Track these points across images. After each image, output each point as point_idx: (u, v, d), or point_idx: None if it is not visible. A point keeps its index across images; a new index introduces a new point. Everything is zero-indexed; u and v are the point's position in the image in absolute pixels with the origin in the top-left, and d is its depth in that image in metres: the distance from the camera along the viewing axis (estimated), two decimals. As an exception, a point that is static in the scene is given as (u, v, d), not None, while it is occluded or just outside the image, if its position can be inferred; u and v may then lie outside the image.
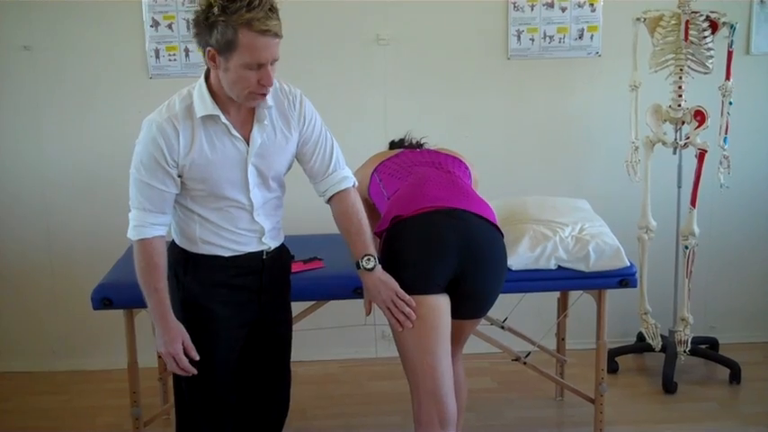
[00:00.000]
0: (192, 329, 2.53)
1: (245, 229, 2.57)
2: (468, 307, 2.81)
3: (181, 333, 2.49)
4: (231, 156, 2.49)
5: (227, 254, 2.55)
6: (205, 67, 2.45)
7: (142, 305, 2.95)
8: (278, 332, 2.74)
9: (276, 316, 2.72)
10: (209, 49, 2.33)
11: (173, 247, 2.61)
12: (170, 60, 4.13)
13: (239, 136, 2.49)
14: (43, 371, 4.35)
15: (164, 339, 2.48)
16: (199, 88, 2.44)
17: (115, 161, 4.20)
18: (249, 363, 2.70)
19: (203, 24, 2.31)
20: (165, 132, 2.41)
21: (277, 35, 2.36)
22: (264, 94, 2.42)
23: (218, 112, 2.43)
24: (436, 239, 2.68)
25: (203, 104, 2.42)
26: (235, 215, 2.54)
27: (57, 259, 4.30)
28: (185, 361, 2.48)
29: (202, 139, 2.44)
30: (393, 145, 3.36)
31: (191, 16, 2.44)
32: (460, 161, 3.11)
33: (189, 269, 2.56)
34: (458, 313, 2.76)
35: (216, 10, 2.27)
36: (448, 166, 3.04)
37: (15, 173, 4.24)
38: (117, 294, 3.05)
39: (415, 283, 2.65)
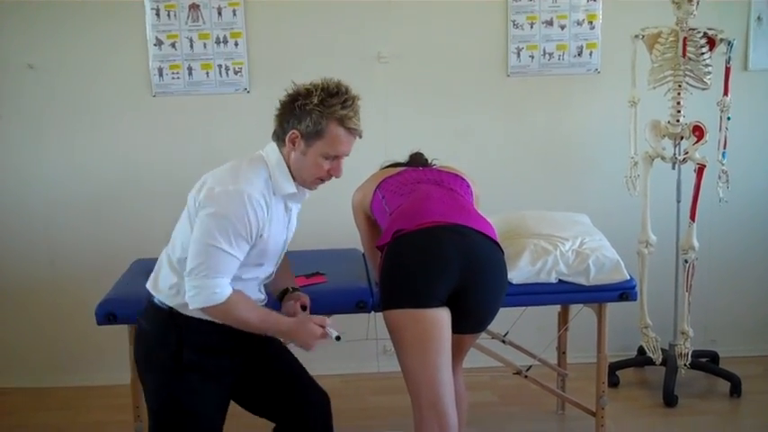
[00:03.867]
0: (187, 396, 2.55)
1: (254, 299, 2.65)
2: (469, 322, 2.84)
3: (297, 320, 2.56)
4: (281, 231, 2.62)
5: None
6: (272, 144, 2.58)
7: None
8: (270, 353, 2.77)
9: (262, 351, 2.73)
10: (293, 131, 2.49)
11: (157, 312, 2.58)
12: (173, 79, 4.17)
13: (289, 216, 2.66)
14: (47, 386, 4.36)
15: (299, 332, 2.53)
16: (279, 164, 2.54)
17: (118, 178, 4.26)
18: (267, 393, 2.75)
19: (298, 109, 2.48)
20: (260, 207, 2.46)
21: (360, 135, 2.57)
22: (324, 182, 2.59)
23: (297, 190, 2.59)
24: (437, 254, 2.71)
25: (288, 182, 2.55)
26: (250, 286, 2.62)
27: (60, 276, 4.32)
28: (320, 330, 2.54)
29: (275, 213, 2.54)
30: (391, 165, 3.36)
31: (282, 98, 2.56)
32: (462, 179, 3.14)
33: (184, 335, 2.54)
34: (458, 328, 2.78)
35: (315, 99, 2.46)
36: (450, 184, 3.07)
37: (19, 190, 4.27)
38: (121, 309, 3.06)
39: (415, 297, 2.68)
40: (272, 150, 2.56)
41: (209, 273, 2.41)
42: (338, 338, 2.59)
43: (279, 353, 2.79)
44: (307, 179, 2.56)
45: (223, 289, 2.43)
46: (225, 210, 2.41)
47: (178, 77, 4.17)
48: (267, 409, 2.78)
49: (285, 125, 2.52)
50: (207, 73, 4.17)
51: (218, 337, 2.55)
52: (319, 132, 2.47)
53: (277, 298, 2.82)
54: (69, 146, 4.23)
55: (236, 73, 4.17)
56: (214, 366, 2.59)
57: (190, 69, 4.16)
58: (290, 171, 2.55)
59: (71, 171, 4.25)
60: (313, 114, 2.46)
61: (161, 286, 2.58)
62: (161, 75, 4.16)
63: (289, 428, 2.77)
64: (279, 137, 2.54)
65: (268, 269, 2.68)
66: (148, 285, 2.64)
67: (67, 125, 4.21)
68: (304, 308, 2.79)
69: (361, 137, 2.56)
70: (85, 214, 4.29)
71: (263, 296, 2.74)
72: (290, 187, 2.55)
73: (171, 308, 2.55)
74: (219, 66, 4.16)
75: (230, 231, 2.41)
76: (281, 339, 2.62)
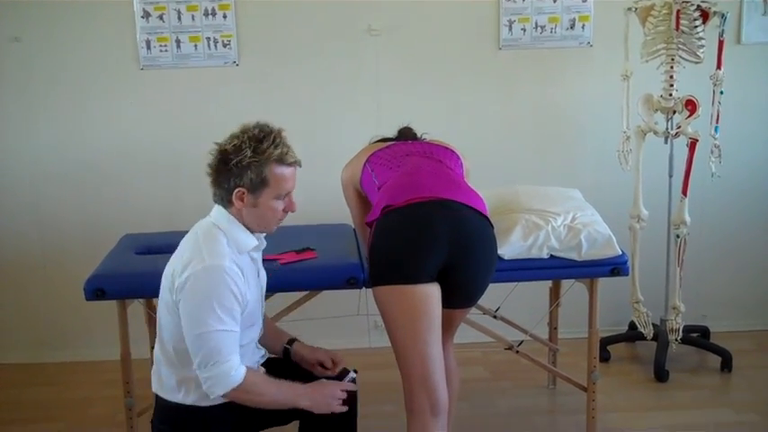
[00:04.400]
0: None
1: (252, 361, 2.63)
2: (458, 296, 2.82)
3: (313, 385, 2.56)
4: (256, 285, 2.59)
5: None
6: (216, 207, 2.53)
7: (135, 296, 2.96)
8: None
9: None
10: (239, 189, 2.43)
11: (175, 413, 2.54)
12: (161, 51, 4.12)
13: (257, 267, 2.63)
14: (36, 362, 4.35)
15: (312, 396, 2.52)
16: (230, 224, 2.48)
17: (107, 152, 4.22)
18: None
19: (234, 168, 2.41)
20: (236, 274, 2.41)
21: (300, 164, 2.53)
22: (281, 221, 2.58)
23: (259, 240, 2.58)
24: (426, 230, 2.69)
25: (248, 236, 2.51)
26: (249, 349, 2.61)
27: (49, 251, 4.30)
28: (341, 394, 2.56)
29: (247, 271, 2.50)
30: (380, 140, 3.32)
31: (212, 160, 2.47)
32: (452, 152, 3.12)
33: (211, 427, 2.52)
34: (448, 303, 2.77)
35: (248, 152, 2.40)
36: (439, 157, 3.04)
37: (6, 164, 4.23)
38: (110, 285, 3.03)
39: (405, 273, 2.66)
40: (219, 214, 2.51)
41: (216, 359, 2.37)
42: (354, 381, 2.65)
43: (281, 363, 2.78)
44: (267, 226, 2.54)
45: (237, 370, 2.40)
46: (204, 291, 2.37)
47: (166, 50, 4.12)
48: (290, 414, 2.73)
49: (226, 186, 2.45)
50: (195, 46, 4.12)
51: (244, 408, 2.53)
52: (264, 180, 2.43)
53: (283, 356, 2.83)
54: (57, 119, 4.19)
55: (224, 46, 4.12)
56: None
57: (178, 42, 4.11)
58: (245, 225, 2.51)
59: (59, 145, 4.21)
60: (252, 167, 2.41)
61: (167, 386, 2.54)
62: (149, 47, 4.11)
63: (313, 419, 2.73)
64: (223, 198, 2.49)
65: (258, 325, 2.67)
66: (155, 389, 2.58)
67: (55, 99, 4.17)
68: (323, 366, 2.78)
69: (300, 166, 2.53)
70: (74, 188, 4.26)
71: (261, 351, 2.72)
72: (252, 240, 2.53)
73: (188, 406, 2.51)
74: (208, 38, 4.11)
75: (217, 310, 2.36)
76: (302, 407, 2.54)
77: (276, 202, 2.48)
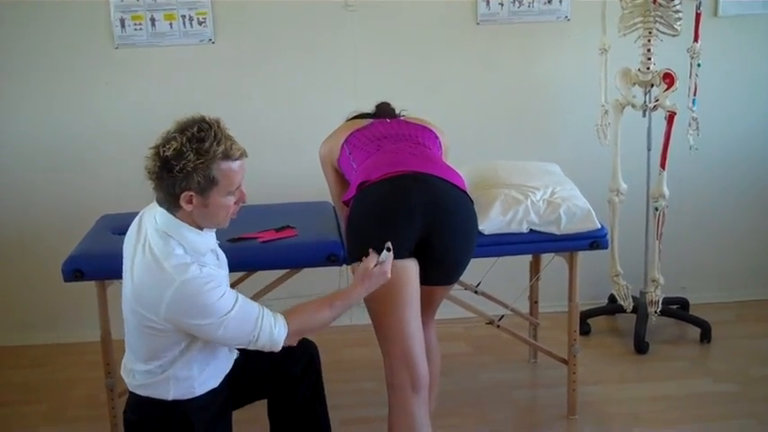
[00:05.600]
0: None
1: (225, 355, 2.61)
2: (438, 272, 2.82)
3: (360, 278, 2.54)
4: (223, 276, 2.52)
5: (220, 381, 2.58)
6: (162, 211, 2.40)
7: (114, 276, 2.95)
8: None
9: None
10: (186, 193, 2.31)
11: (156, 408, 2.49)
12: (136, 30, 4.07)
13: (221, 258, 2.57)
14: (17, 345, 4.33)
15: (366, 286, 2.54)
16: (181, 229, 2.37)
17: (83, 132, 4.18)
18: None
19: (179, 174, 2.27)
20: (205, 276, 2.32)
21: (246, 154, 2.40)
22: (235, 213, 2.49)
23: (214, 238, 2.51)
24: (400, 202, 2.68)
25: (203, 237, 2.42)
26: (222, 352, 2.57)
27: (27, 232, 4.26)
28: (382, 269, 2.53)
29: (212, 267, 2.44)
30: (360, 116, 3.30)
31: (151, 165, 2.33)
32: (430, 131, 3.10)
33: (192, 417, 2.49)
34: (428, 279, 2.77)
35: (191, 156, 2.26)
36: (417, 138, 3.03)
37: (-20, 147, 4.18)
38: (88, 266, 3.02)
39: (381, 248, 2.65)
40: (166, 220, 2.38)
41: (252, 334, 2.37)
42: (389, 249, 2.56)
43: None
44: (220, 222, 2.43)
45: (276, 327, 2.40)
46: (194, 303, 2.29)
47: (141, 28, 4.07)
48: (257, 393, 2.77)
49: (172, 191, 2.32)
50: (170, 24, 4.08)
51: (220, 391, 2.56)
52: (213, 180, 2.31)
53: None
54: (30, 100, 4.14)
55: (200, 23, 4.08)
56: (223, 425, 2.62)
57: (153, 20, 4.07)
58: (197, 225, 2.40)
59: (34, 125, 4.16)
60: (198, 170, 2.27)
61: (155, 383, 2.47)
62: (123, 26, 4.06)
63: (280, 394, 2.76)
64: (170, 202, 2.35)
65: None
66: (135, 389, 2.52)
67: (29, 79, 4.11)
68: None
69: (246, 155, 2.39)
70: (50, 169, 4.21)
71: (235, 354, 2.67)
72: (209, 239, 2.45)
73: (173, 400, 2.47)
74: (183, 16, 4.07)
75: (216, 302, 2.30)
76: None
77: (227, 198, 2.37)
